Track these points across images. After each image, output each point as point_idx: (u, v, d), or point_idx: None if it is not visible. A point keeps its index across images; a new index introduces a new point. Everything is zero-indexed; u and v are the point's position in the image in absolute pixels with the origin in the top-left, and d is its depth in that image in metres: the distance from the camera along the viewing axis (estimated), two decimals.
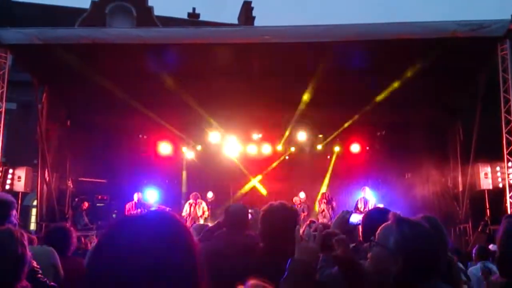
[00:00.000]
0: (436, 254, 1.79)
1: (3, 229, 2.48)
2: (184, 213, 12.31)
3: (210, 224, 5.58)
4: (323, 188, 14.10)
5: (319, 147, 13.99)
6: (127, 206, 12.14)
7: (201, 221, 11.84)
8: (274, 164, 14.35)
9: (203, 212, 12.44)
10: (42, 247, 3.84)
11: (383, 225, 1.90)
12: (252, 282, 1.29)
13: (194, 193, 12.74)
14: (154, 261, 0.97)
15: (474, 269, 5.88)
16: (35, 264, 2.97)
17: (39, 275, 3.00)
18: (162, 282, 0.97)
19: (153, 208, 12.15)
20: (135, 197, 12.23)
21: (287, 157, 14.33)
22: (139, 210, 12.04)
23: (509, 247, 1.49)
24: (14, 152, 13.39)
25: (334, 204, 12.70)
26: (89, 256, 0.96)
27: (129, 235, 1.01)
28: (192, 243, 1.06)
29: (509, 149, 9.52)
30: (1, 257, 2.32)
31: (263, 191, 14.40)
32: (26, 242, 2.47)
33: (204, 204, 12.62)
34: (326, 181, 14.31)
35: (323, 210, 12.53)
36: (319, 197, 13.20)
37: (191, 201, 12.54)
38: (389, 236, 1.80)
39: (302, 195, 13.45)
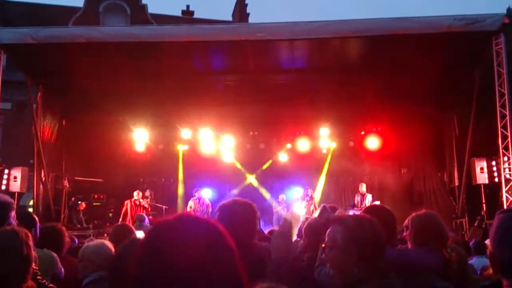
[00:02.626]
0: (383, 240, 1.84)
1: (8, 230, 2.47)
2: (188, 209, 12.32)
3: None
4: (320, 184, 14.11)
5: (315, 143, 13.97)
6: (126, 203, 12.07)
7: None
8: (270, 162, 14.32)
9: (208, 208, 12.46)
10: (45, 251, 3.75)
11: (328, 230, 1.93)
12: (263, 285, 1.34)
13: (196, 189, 12.76)
14: (196, 265, 1.00)
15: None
16: (34, 265, 2.96)
17: (38, 277, 2.98)
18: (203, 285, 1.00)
19: (146, 205, 12.13)
20: (135, 194, 12.16)
21: (283, 154, 14.31)
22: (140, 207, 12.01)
23: (502, 244, 1.49)
24: (10, 152, 13.38)
25: (315, 200, 12.66)
26: (133, 261, 1.01)
27: (171, 239, 1.04)
28: (232, 245, 1.09)
29: (504, 144, 9.54)
30: (6, 257, 2.32)
31: (260, 188, 14.37)
32: (31, 243, 2.47)
33: (207, 200, 12.64)
34: (323, 177, 14.31)
35: (305, 207, 12.46)
36: (301, 193, 13.07)
37: (195, 197, 12.57)
38: (336, 234, 1.86)
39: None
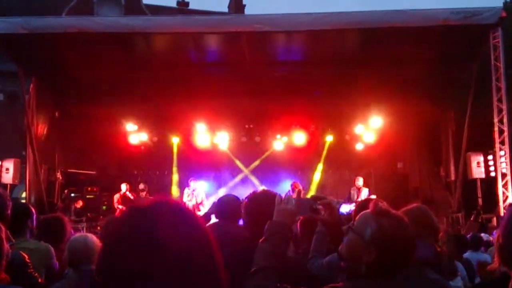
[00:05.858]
0: (411, 251, 1.75)
1: None
2: (185, 199, 12.18)
3: None
4: (315, 178, 14.06)
5: (311, 136, 13.90)
6: (115, 197, 11.96)
7: (201, 210, 11.62)
8: (265, 155, 14.26)
9: (202, 201, 12.29)
10: (41, 243, 3.66)
11: (363, 212, 1.85)
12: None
13: (191, 178, 12.54)
14: (170, 252, 0.94)
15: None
16: (26, 258, 2.93)
17: (30, 270, 2.95)
18: (177, 273, 0.95)
19: (143, 198, 12.02)
20: (123, 187, 12.04)
21: (278, 147, 14.23)
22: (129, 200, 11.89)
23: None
24: (2, 144, 13.26)
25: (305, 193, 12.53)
26: (102, 246, 0.97)
27: (143, 225, 0.98)
28: (206, 231, 1.04)
29: (501, 138, 9.52)
30: None
31: (255, 181, 14.32)
32: (3, 235, 2.37)
33: (203, 193, 12.47)
34: (319, 171, 14.26)
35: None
36: (288, 187, 12.93)
37: (189, 188, 12.40)
38: (367, 226, 1.76)
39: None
